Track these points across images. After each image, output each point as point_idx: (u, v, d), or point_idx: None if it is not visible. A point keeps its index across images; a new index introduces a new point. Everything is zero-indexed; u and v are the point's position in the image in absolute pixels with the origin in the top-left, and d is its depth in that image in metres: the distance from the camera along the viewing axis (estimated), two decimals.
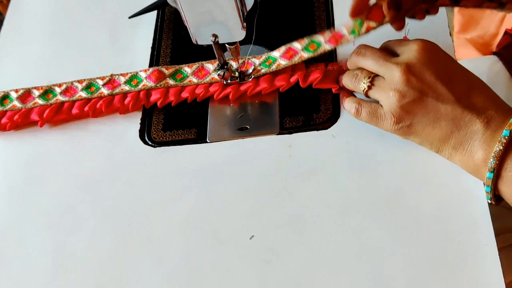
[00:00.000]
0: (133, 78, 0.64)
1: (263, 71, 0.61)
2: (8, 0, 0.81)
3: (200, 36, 0.56)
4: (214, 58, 0.60)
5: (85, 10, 0.76)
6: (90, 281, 0.53)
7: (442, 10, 0.63)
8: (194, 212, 0.55)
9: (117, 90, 0.64)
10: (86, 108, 0.63)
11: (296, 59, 0.60)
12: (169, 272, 0.52)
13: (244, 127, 0.60)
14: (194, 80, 0.63)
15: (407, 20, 0.57)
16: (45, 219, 0.58)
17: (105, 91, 0.64)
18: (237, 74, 0.62)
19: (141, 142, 0.61)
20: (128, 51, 0.70)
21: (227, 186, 0.56)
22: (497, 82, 0.82)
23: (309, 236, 0.52)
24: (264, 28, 0.66)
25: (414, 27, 0.62)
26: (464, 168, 0.50)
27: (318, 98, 0.60)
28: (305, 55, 0.60)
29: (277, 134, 0.59)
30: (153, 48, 0.69)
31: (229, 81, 0.62)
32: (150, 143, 0.61)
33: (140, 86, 0.63)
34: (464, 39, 0.94)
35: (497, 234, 0.48)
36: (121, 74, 0.65)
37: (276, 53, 0.62)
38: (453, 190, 0.52)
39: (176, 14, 0.72)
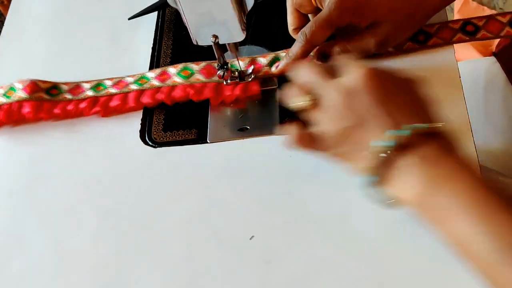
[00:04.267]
0: (9, 89, 0.65)
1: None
2: (9, 1, 0.81)
3: (201, 36, 0.57)
4: (215, 58, 0.60)
5: (86, 11, 0.76)
6: (90, 281, 0.53)
7: (442, 10, 0.63)
8: (194, 212, 0.55)
9: None
10: None
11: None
12: (169, 272, 0.52)
13: (244, 128, 0.60)
14: (69, 96, 0.64)
15: None
16: (45, 220, 0.58)
17: None
18: (236, 74, 0.62)
19: (142, 143, 0.61)
20: (129, 51, 0.70)
21: (228, 186, 0.56)
22: (495, 83, 0.82)
23: (309, 237, 0.52)
24: (264, 28, 0.66)
25: None
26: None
27: None
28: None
29: (278, 135, 0.59)
30: (153, 49, 0.69)
31: (228, 81, 0.62)
32: (151, 144, 0.61)
33: (15, 97, 0.64)
34: None
35: None
36: (1, 87, 0.65)
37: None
38: None
39: (176, 15, 0.72)
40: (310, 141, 0.50)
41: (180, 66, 0.64)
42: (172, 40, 0.70)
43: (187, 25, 0.56)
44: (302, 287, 0.50)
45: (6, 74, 0.71)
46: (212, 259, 0.52)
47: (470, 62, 0.90)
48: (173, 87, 0.62)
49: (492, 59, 0.85)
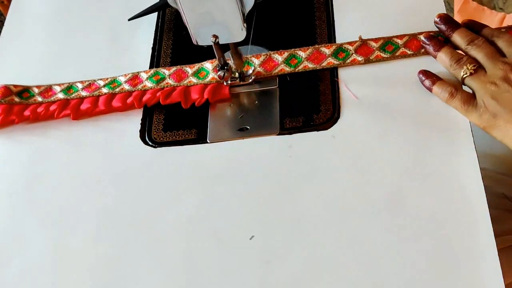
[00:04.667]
0: None
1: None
2: (9, 0, 0.81)
3: (201, 36, 0.57)
4: (214, 58, 0.60)
5: (86, 11, 0.76)
6: (89, 281, 0.53)
7: (442, 9, 0.63)
8: (194, 212, 0.55)
9: None
10: None
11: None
12: (169, 272, 0.52)
13: (244, 128, 0.60)
14: (39, 99, 0.65)
15: None
16: (45, 219, 0.58)
17: None
18: (237, 75, 0.62)
19: (142, 143, 0.61)
20: (129, 51, 0.70)
21: (227, 186, 0.56)
22: None
23: (309, 236, 0.52)
24: (264, 28, 0.66)
25: (414, 27, 0.62)
26: None
27: (318, 99, 0.60)
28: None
29: (277, 135, 0.59)
30: (153, 49, 0.69)
31: (229, 82, 0.62)
32: (151, 143, 0.61)
33: None
34: None
35: (497, 235, 0.49)
36: None
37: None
38: (452, 191, 0.52)
39: (176, 15, 0.72)
40: (466, 100, 0.55)
41: (152, 71, 0.65)
42: (172, 40, 0.70)
43: (187, 25, 0.56)
44: (302, 287, 0.50)
45: (6, 74, 0.71)
46: (212, 259, 0.52)
47: None
48: (143, 91, 0.63)
49: None
